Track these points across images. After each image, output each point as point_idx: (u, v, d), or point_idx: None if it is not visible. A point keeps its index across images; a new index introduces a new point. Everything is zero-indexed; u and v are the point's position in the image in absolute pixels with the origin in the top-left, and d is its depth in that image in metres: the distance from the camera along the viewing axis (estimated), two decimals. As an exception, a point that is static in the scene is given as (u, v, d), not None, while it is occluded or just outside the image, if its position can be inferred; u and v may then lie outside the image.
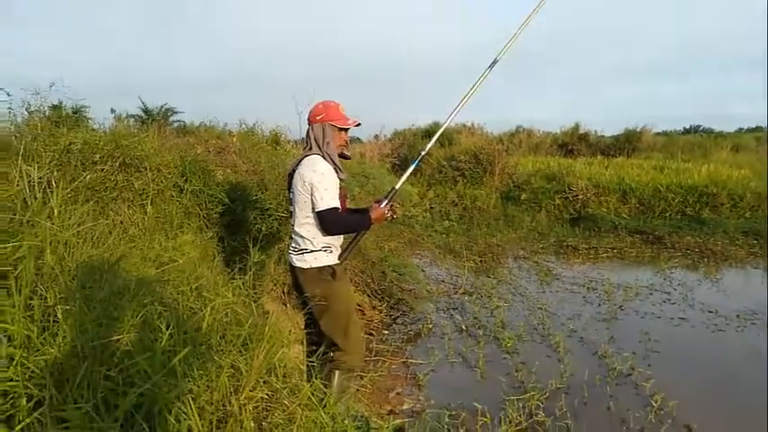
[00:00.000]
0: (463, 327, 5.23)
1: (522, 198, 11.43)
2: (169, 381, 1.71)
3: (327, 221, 2.84)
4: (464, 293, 6.30)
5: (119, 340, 1.77)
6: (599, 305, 5.90)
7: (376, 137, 18.91)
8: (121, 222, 3.79)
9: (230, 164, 5.68)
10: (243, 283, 2.76)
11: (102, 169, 3.95)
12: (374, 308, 5.42)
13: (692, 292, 6.33)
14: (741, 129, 39.11)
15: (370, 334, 4.95)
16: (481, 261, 8.04)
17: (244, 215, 4.72)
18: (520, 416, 3.49)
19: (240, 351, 2.11)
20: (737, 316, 5.49)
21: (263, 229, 4.59)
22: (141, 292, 2.16)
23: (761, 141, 23.12)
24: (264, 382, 2.10)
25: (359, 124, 3.05)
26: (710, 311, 5.64)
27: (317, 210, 2.84)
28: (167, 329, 1.97)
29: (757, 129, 38.27)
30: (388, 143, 17.90)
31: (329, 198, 2.82)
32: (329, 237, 2.94)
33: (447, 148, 14.08)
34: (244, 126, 8.15)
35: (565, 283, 6.83)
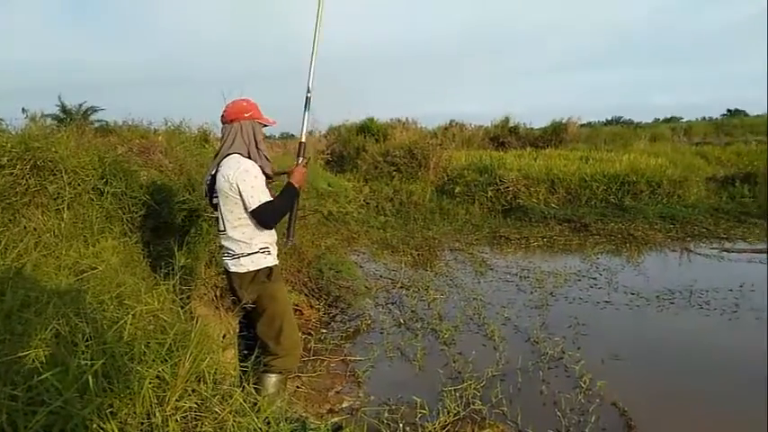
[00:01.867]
0: (401, 321, 5.27)
1: (457, 191, 11.65)
2: (84, 397, 1.61)
3: (263, 216, 2.77)
4: (402, 287, 6.35)
5: (25, 356, 1.65)
6: (531, 293, 6.11)
7: (311, 133, 18.65)
8: (35, 229, 3.55)
9: (155, 164, 5.45)
10: (168, 289, 2.65)
11: (12, 173, 3.68)
12: (312, 307, 5.37)
13: (616, 276, 6.67)
14: (658, 119, 41.64)
15: (308, 333, 4.90)
16: (418, 255, 8.13)
17: (171, 217, 4.54)
18: (457, 405, 3.55)
19: (165, 359, 2.02)
20: (657, 297, 5.83)
21: (192, 230, 4.43)
22: (53, 303, 2.02)
23: (675, 131, 24.69)
24: (193, 391, 2.02)
25: (275, 123, 3.03)
26: (633, 294, 5.96)
27: (250, 209, 2.76)
28: (84, 342, 1.86)
29: (672, 119, 40.83)
30: (323, 139, 17.76)
31: (259, 194, 2.75)
32: (267, 235, 2.87)
33: (382, 144, 14.14)
34: (169, 124, 7.84)
35: (499, 272, 7.02)
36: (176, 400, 1.87)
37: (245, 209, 2.77)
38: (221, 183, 2.80)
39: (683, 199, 10.89)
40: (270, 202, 2.78)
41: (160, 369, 1.92)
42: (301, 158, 3.06)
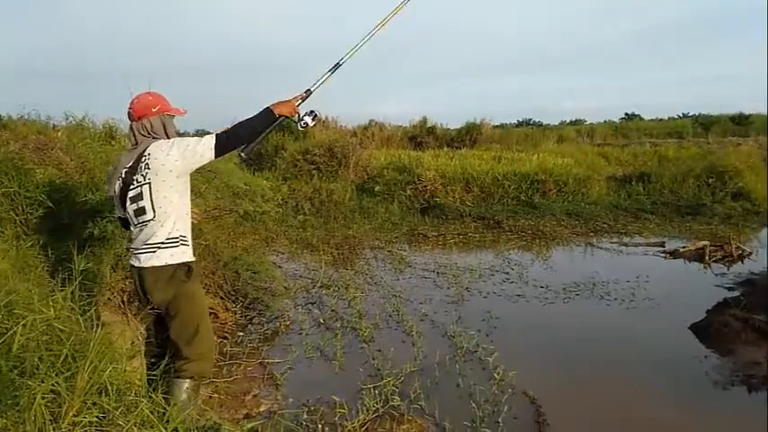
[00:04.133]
0: (321, 320, 5.22)
1: (377, 190, 11.73)
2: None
3: (221, 139, 2.65)
4: (322, 287, 6.30)
5: None
6: (448, 288, 6.27)
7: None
8: None
9: (54, 161, 5.05)
10: (66, 296, 2.45)
11: None
12: (228, 310, 5.19)
13: (527, 271, 6.99)
14: (564, 122, 44.00)
15: (224, 337, 4.74)
16: (338, 253, 8.10)
17: (71, 218, 4.23)
18: (376, 403, 3.57)
19: (61, 372, 1.87)
20: (564, 289, 6.16)
21: (96, 232, 4.15)
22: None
23: (580, 133, 26.23)
24: (94, 404, 1.88)
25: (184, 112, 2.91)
26: (542, 287, 6.26)
27: (204, 146, 2.63)
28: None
29: (577, 122, 43.25)
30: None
31: (202, 139, 2.65)
32: (186, 226, 2.74)
33: (301, 142, 13.96)
34: (71, 119, 7.30)
35: (417, 269, 7.14)
36: (74, 415, 1.73)
37: (194, 164, 2.65)
38: (157, 162, 2.61)
39: (587, 197, 11.60)
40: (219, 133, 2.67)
41: (54, 382, 1.77)
42: (299, 99, 2.88)
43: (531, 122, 42.07)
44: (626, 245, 8.48)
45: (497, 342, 4.63)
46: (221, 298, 5.24)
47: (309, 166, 12.48)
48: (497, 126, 24.91)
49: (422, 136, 20.21)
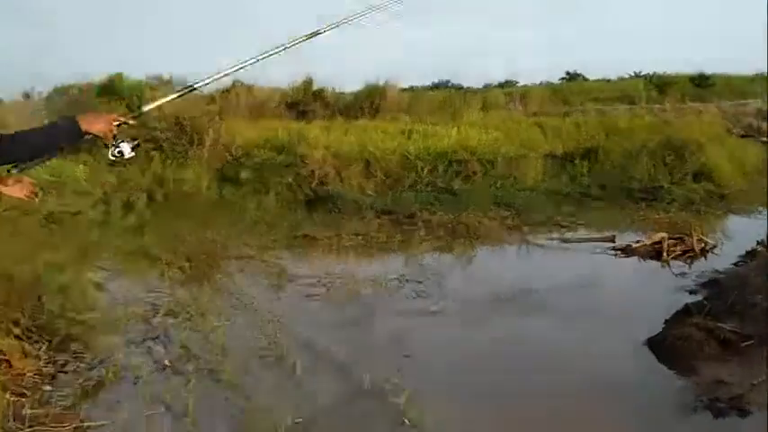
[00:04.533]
0: (166, 362, 5.04)
1: (244, 177, 11.51)
2: None
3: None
4: (168, 314, 6.10)
5: None
6: (344, 307, 6.30)
7: (27, 96, 17.25)
8: None
9: None
10: None
11: None
12: (27, 355, 4.88)
13: (446, 280, 7.18)
14: (490, 84, 45.68)
15: (21, 395, 4.43)
16: (191, 266, 7.86)
17: None
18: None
19: None
20: (493, 301, 6.40)
21: None
22: None
23: (510, 97, 27.39)
24: None
25: None
26: (466, 300, 6.46)
27: None
28: None
29: (507, 83, 45.10)
30: (46, 104, 16.40)
31: None
32: None
33: (135, 112, 13.37)
34: None
35: (302, 284, 7.12)
36: None
37: None
38: None
39: (520, 181, 12.13)
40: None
41: None
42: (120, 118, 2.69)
43: (450, 84, 43.14)
44: (569, 241, 8.97)
45: (409, 376, 4.69)
46: (16, 338, 4.93)
47: (147, 145, 11.98)
48: (406, 89, 25.39)
49: (306, 102, 20.12)
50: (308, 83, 21.01)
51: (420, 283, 7.07)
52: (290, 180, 11.48)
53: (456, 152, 12.20)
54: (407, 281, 7.16)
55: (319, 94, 20.66)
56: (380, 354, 5.15)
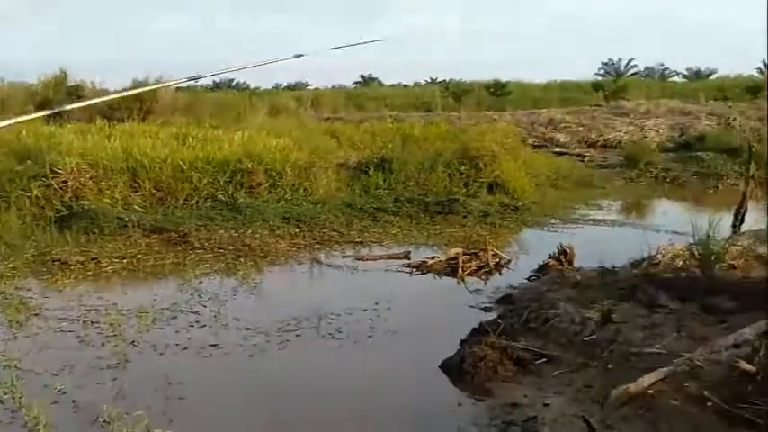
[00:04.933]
0: None
1: (-25, 190, 10.55)
2: None
3: None
4: None
5: None
6: (102, 346, 5.99)
7: None
8: None
9: None
10: None
11: None
12: None
13: (226, 307, 7.06)
14: (279, 85, 46.04)
15: None
16: None
17: None
18: None
19: None
20: (280, 329, 6.39)
21: None
22: None
23: (301, 101, 27.71)
24: None
25: None
26: (249, 329, 6.40)
27: None
28: None
29: (297, 86, 45.66)
30: None
31: None
32: None
33: None
34: None
35: (50, 318, 6.70)
36: None
37: None
38: None
39: (311, 193, 12.27)
40: None
41: None
42: None
43: (234, 84, 42.85)
44: (363, 259, 9.19)
45: (180, 423, 4.54)
46: None
47: None
48: (184, 89, 24.73)
49: (60, 101, 18.94)
50: (63, 77, 19.84)
51: (196, 312, 6.90)
52: (36, 193, 10.68)
53: (240, 161, 12.05)
54: (181, 310, 6.96)
55: (76, 91, 19.53)
56: (145, 397, 4.90)
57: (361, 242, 10.16)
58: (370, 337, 6.23)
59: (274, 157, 12.53)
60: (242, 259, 9.11)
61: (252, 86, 38.91)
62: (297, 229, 10.61)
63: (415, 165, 13.51)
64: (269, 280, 8.28)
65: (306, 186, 12.37)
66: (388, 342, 6.12)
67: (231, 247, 9.58)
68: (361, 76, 48.63)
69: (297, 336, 6.26)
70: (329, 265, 8.88)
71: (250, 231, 10.29)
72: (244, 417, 4.73)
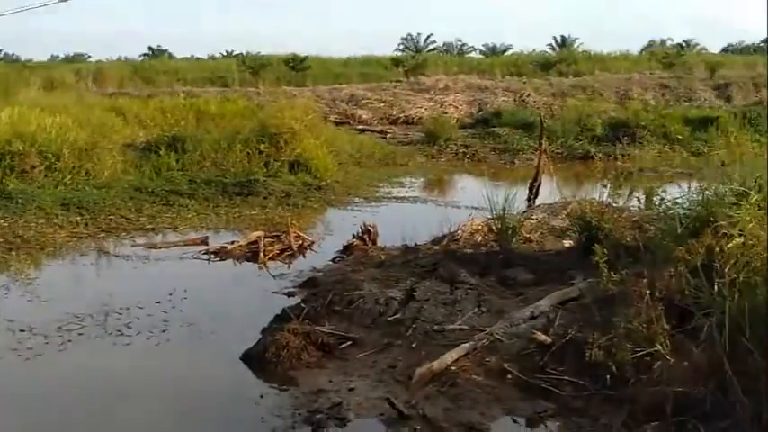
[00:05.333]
0: None
1: None
2: None
3: None
4: None
5: None
6: None
7: None
8: None
9: None
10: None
11: None
12: None
13: (-2, 307, 6.56)
14: (56, 57, 43.30)
15: None
16: None
17: None
18: None
19: None
20: (60, 328, 6.02)
21: None
22: None
23: (81, 75, 26.21)
24: None
25: None
26: (23, 330, 5.97)
27: None
28: None
29: (76, 58, 43.18)
30: None
31: None
32: None
33: None
34: None
35: None
36: None
37: None
38: None
39: (94, 177, 11.62)
40: None
41: None
42: None
43: (3, 56, 40.07)
44: (155, 247, 8.85)
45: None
46: None
47: None
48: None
49: None
50: None
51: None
52: None
53: (9, 142, 11.16)
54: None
55: None
56: None
57: (153, 229, 9.78)
58: (164, 331, 6.02)
59: (50, 138, 11.74)
60: (14, 253, 8.47)
61: (23, 59, 36.37)
62: (79, 217, 10.01)
63: (211, 143, 13.19)
64: (47, 275, 7.77)
65: (88, 169, 11.70)
66: (184, 335, 5.95)
67: (0, 240, 8.88)
68: (150, 48, 46.75)
69: (80, 335, 5.91)
70: (117, 256, 8.47)
71: (23, 221, 9.58)
72: (27, 424, 4.42)
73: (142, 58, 42.88)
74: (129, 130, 14.66)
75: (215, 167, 12.77)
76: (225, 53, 44.01)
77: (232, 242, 8.70)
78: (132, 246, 8.89)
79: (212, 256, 8.42)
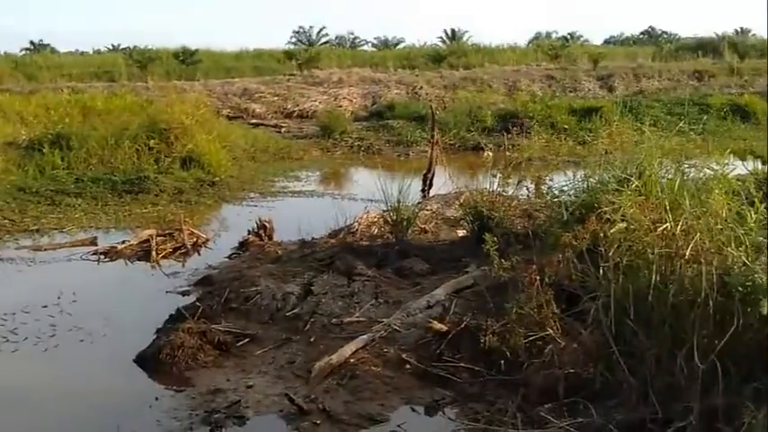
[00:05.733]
0: None
1: None
2: None
3: None
4: None
5: None
6: None
7: None
8: None
9: None
10: None
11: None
12: None
13: None
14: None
15: None
16: None
17: None
18: None
19: None
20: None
21: None
22: None
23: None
24: None
25: None
26: None
27: None
28: None
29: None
30: None
31: None
32: None
33: None
34: None
35: None
36: None
37: None
38: None
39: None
40: None
41: None
42: None
43: None
44: (41, 249, 8.54)
45: None
46: None
47: None
48: None
49: None
50: None
51: None
52: None
53: None
54: None
55: None
56: None
57: (39, 230, 9.41)
58: (52, 336, 5.82)
59: None
60: None
61: None
62: None
63: (98, 140, 12.77)
64: None
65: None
66: (74, 340, 5.77)
67: None
68: (32, 43, 44.88)
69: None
70: (0, 259, 8.11)
71: None
72: None
73: (23, 53, 41.09)
74: (10, 128, 14.04)
75: (103, 165, 12.37)
76: (111, 47, 42.60)
77: (123, 242, 8.47)
78: (16, 248, 8.54)
79: (102, 256, 8.16)
